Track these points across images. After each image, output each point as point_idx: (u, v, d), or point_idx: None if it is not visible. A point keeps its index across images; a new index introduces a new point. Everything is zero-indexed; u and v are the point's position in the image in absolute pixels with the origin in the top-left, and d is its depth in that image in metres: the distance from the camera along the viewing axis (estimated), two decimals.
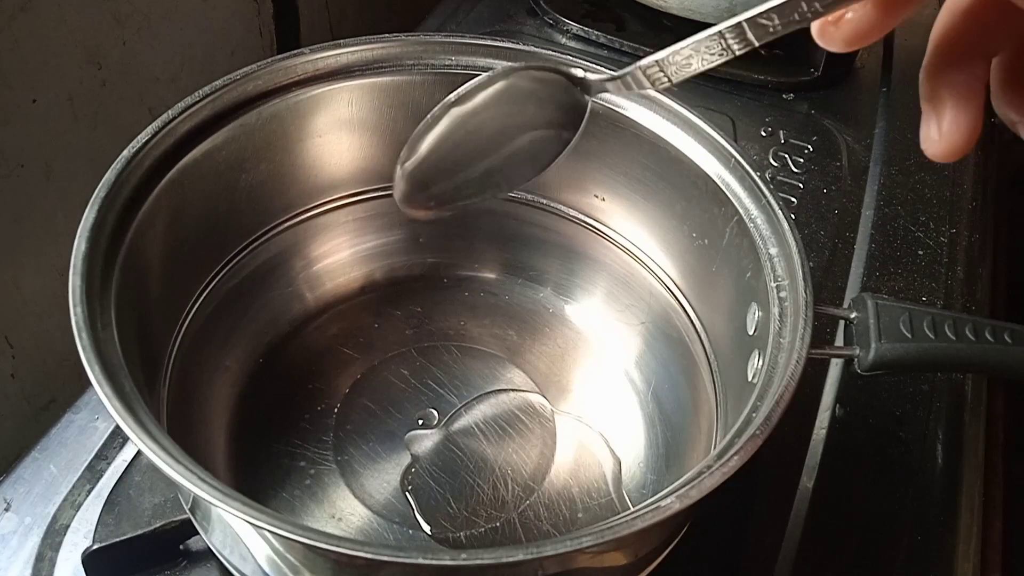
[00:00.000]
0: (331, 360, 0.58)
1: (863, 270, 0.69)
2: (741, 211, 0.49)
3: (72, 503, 0.52)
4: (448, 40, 0.56)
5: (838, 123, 0.81)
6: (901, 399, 0.60)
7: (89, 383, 0.37)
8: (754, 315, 0.48)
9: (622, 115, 0.54)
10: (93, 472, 0.53)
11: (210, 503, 0.35)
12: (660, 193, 0.55)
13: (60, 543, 0.50)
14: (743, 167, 0.50)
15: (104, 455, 0.54)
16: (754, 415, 0.40)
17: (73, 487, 0.52)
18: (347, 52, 0.55)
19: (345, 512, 0.51)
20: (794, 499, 0.54)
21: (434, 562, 0.34)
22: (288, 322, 0.59)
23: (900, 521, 0.54)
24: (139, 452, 0.52)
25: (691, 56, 0.36)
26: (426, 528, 0.51)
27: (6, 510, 0.51)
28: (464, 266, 0.63)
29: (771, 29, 0.32)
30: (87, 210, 0.44)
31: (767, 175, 0.75)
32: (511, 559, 0.35)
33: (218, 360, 0.54)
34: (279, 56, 0.53)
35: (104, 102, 0.60)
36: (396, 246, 0.63)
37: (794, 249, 0.46)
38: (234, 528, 0.42)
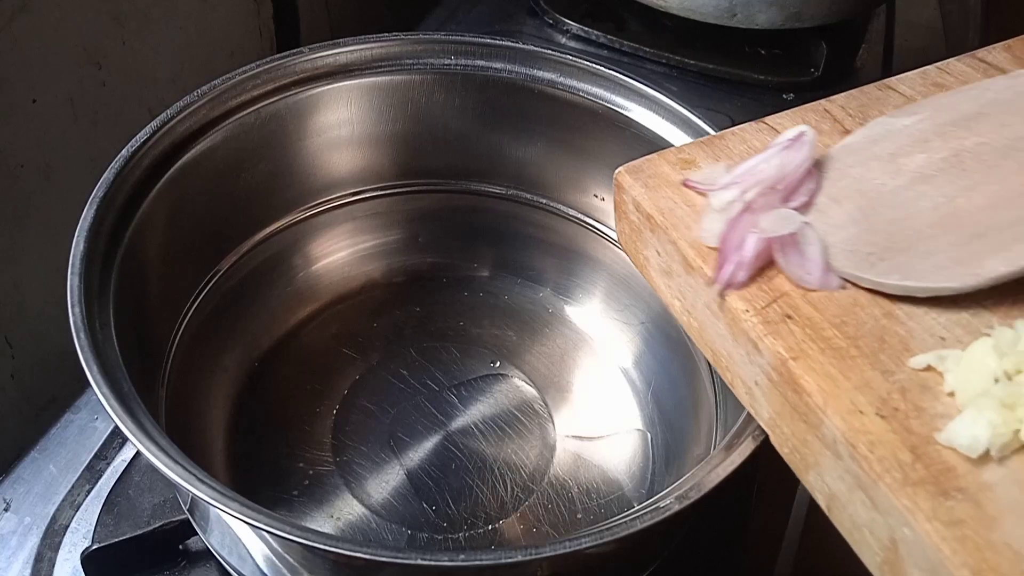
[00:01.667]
0: (331, 360, 0.58)
1: None
2: None
3: (71, 503, 0.52)
4: (448, 40, 0.56)
5: None
6: None
7: (88, 383, 0.38)
8: None
9: (622, 115, 0.54)
10: (92, 472, 0.53)
11: (208, 503, 0.35)
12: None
13: (59, 543, 0.50)
14: None
15: (103, 455, 0.54)
16: None
17: (72, 487, 0.52)
18: (347, 52, 0.55)
19: (344, 512, 0.51)
20: (794, 499, 0.54)
21: (433, 563, 0.34)
22: (287, 322, 0.59)
23: None
24: (138, 452, 0.52)
25: None
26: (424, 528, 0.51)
27: (5, 510, 0.51)
28: (463, 266, 0.63)
29: None
30: (85, 210, 0.44)
31: None
32: (510, 560, 0.35)
33: (217, 360, 0.54)
34: (278, 56, 0.53)
35: (104, 102, 0.60)
36: (395, 246, 0.63)
37: None
38: (233, 528, 0.42)
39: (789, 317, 0.34)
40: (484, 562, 0.35)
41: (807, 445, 0.33)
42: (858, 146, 0.41)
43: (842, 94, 0.44)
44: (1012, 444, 0.29)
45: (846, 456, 0.30)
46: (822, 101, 0.44)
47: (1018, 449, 0.29)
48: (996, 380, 0.30)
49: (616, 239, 0.59)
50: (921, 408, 0.31)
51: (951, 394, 0.31)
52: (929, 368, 0.32)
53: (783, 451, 0.35)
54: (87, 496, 0.52)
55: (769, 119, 0.43)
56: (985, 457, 0.29)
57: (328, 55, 0.54)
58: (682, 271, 0.38)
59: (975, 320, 0.34)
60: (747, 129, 0.43)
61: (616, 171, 0.41)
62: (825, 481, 0.32)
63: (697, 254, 0.37)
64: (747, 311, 0.34)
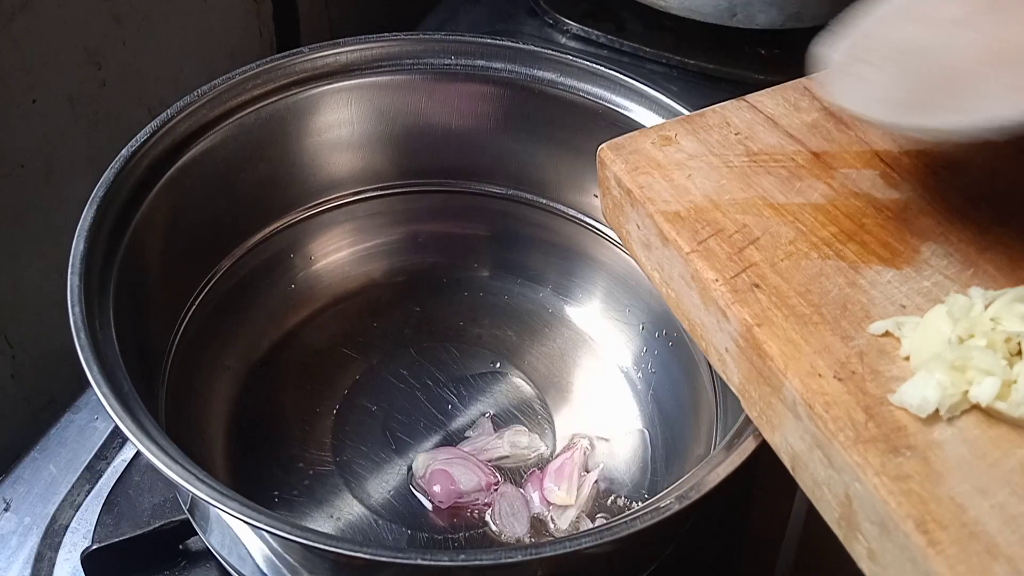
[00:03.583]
0: (331, 360, 0.58)
1: None
2: None
3: (71, 503, 0.52)
4: (448, 40, 0.56)
5: None
6: None
7: (88, 383, 0.38)
8: None
9: (622, 115, 0.54)
10: (92, 472, 0.53)
11: (208, 503, 0.35)
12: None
13: (59, 543, 0.50)
14: None
15: (103, 455, 0.54)
16: None
17: (72, 487, 0.52)
18: (347, 52, 0.55)
19: (344, 512, 0.51)
20: (794, 499, 0.54)
21: (433, 563, 0.34)
22: (287, 322, 0.59)
23: None
24: (138, 452, 0.52)
25: None
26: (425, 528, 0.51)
27: (6, 510, 0.51)
28: (463, 266, 0.63)
29: None
30: (85, 209, 0.44)
31: None
32: (510, 560, 0.35)
33: (217, 360, 0.54)
34: (278, 56, 0.53)
35: (104, 102, 0.60)
36: (396, 246, 0.63)
37: None
38: (233, 528, 0.42)
39: (756, 286, 0.35)
40: (484, 562, 0.35)
41: (771, 408, 0.34)
42: (886, 17, 0.41)
43: (821, 72, 0.46)
44: (961, 405, 0.30)
45: (804, 417, 0.31)
46: (802, 79, 0.46)
47: (967, 410, 0.31)
48: (949, 344, 0.32)
49: (616, 239, 0.59)
50: (877, 371, 0.32)
51: (907, 358, 0.32)
52: (887, 334, 0.33)
53: (752, 414, 0.36)
54: (87, 496, 0.52)
55: (749, 97, 0.45)
56: (935, 417, 0.30)
57: (328, 55, 0.54)
58: (659, 243, 0.39)
59: (936, 289, 0.35)
60: (728, 107, 0.44)
61: (599, 147, 0.42)
62: (788, 442, 0.33)
63: (672, 227, 0.38)
64: (716, 280, 0.35)
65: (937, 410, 0.30)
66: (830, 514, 0.32)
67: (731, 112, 0.43)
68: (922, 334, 0.32)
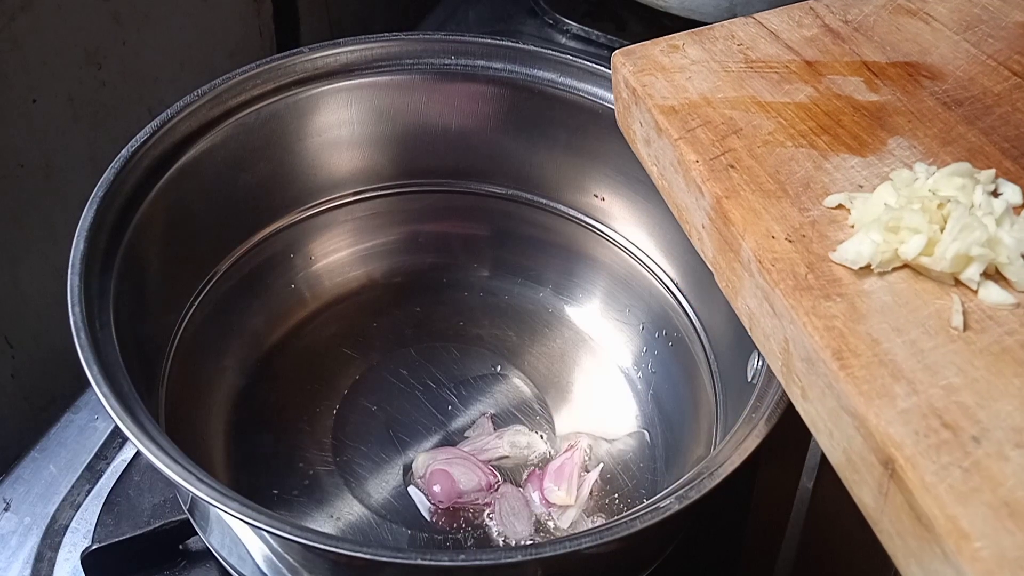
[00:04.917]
0: (331, 360, 0.58)
1: None
2: None
3: (71, 503, 0.52)
4: (448, 40, 0.56)
5: None
6: None
7: (88, 383, 0.38)
8: None
9: None
10: (92, 472, 0.53)
11: (208, 503, 0.35)
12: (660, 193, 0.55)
13: (59, 543, 0.50)
14: None
15: (103, 455, 0.54)
16: (754, 415, 0.40)
17: (72, 487, 0.52)
18: (347, 51, 0.55)
19: (344, 512, 0.51)
20: (794, 499, 0.54)
21: (432, 563, 0.34)
22: (287, 322, 0.59)
23: None
24: (138, 452, 0.52)
25: None
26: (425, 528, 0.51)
27: (6, 510, 0.51)
28: (463, 266, 0.63)
29: None
30: (85, 209, 0.44)
31: None
32: (510, 560, 0.35)
33: (217, 360, 0.54)
34: (278, 55, 0.53)
35: (104, 102, 0.60)
36: (396, 246, 0.63)
37: None
38: (233, 528, 0.42)
39: (732, 167, 0.38)
40: (484, 562, 0.35)
41: (734, 272, 0.37)
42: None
43: None
44: (892, 261, 0.33)
45: (756, 272, 0.34)
46: (809, 1, 0.47)
47: (899, 267, 0.34)
48: (887, 208, 0.34)
49: (616, 239, 0.59)
50: (825, 236, 0.35)
51: (852, 226, 0.35)
52: (840, 207, 0.36)
53: (722, 285, 0.38)
54: (87, 496, 0.52)
55: (758, 15, 0.47)
56: (868, 271, 0.33)
57: (328, 55, 0.54)
58: (656, 136, 0.42)
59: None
60: (735, 22, 0.47)
61: (613, 54, 0.45)
62: (746, 302, 0.36)
63: (666, 119, 0.41)
64: (697, 161, 0.38)
65: (870, 265, 0.33)
66: (775, 363, 0.35)
67: (737, 27, 0.46)
68: (868, 204, 0.35)
